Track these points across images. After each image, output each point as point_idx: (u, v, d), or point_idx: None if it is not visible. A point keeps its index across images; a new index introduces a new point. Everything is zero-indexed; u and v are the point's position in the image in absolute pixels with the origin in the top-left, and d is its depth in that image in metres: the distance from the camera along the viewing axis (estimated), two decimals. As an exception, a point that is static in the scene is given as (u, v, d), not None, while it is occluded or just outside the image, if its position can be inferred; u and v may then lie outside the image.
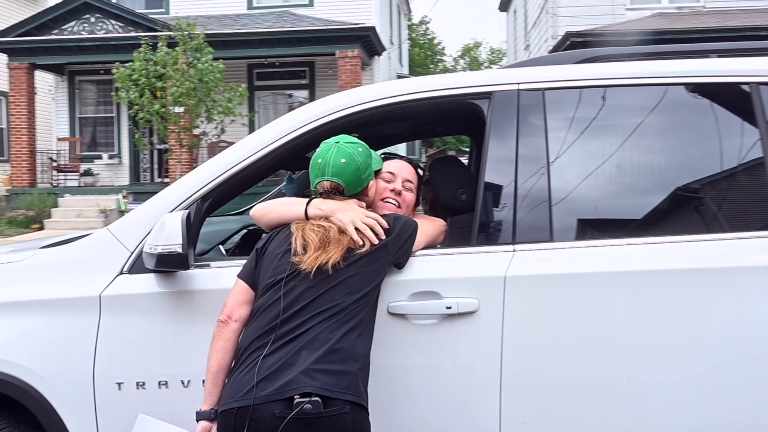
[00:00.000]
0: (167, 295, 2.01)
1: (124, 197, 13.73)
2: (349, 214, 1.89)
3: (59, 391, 1.99)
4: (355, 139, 2.02)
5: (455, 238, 2.22)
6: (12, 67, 14.29)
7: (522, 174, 2.06)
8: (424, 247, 2.01)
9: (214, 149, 12.41)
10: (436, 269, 1.99)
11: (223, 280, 2.04)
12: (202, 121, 12.18)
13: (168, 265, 1.90)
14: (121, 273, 2.06)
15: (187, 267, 1.90)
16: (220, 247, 2.47)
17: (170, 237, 1.86)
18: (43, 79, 15.78)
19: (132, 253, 2.06)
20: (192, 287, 2.02)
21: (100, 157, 15.65)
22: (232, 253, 2.56)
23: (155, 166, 15.80)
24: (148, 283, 2.02)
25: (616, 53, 2.34)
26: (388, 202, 2.21)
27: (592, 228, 2.13)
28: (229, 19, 14.61)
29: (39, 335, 2.02)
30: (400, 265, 1.94)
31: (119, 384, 2.00)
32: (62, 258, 2.14)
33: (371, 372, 1.84)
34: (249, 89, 13.74)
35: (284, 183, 2.90)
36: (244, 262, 2.12)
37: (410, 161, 2.36)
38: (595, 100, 2.17)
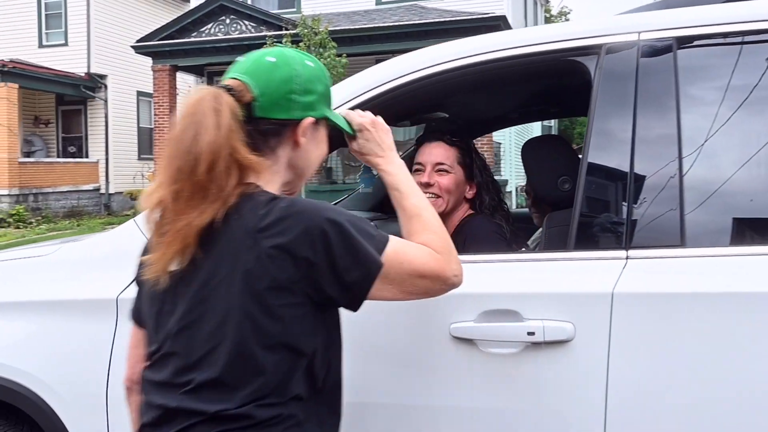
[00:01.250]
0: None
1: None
2: None
3: (67, 401, 1.71)
4: (312, 57, 1.30)
5: (550, 240, 1.71)
6: (156, 69, 15.09)
7: (641, 155, 1.51)
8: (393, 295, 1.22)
9: (342, 148, 12.32)
10: (515, 281, 1.50)
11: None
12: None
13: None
14: (143, 272, 1.75)
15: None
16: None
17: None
18: (184, 81, 16.56)
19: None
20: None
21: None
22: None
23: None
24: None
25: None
26: None
27: (744, 230, 1.54)
28: (357, 15, 14.55)
29: (47, 339, 1.75)
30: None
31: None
32: (84, 254, 1.87)
33: (424, 414, 1.39)
34: (376, 85, 13.54)
35: (361, 172, 2.49)
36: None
37: (445, 136, 1.97)
38: (753, 55, 1.57)
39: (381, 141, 1.37)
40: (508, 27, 13.75)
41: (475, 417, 1.47)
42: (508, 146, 15.00)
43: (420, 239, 1.24)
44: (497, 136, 13.75)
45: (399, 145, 1.57)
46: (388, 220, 3.13)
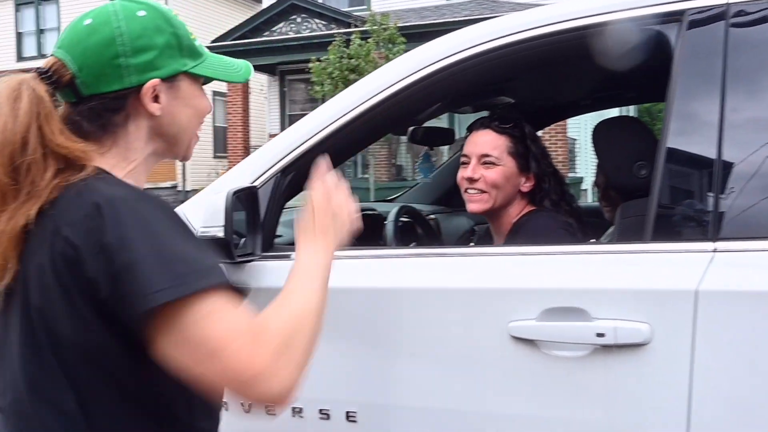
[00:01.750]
0: (231, 292, 1.59)
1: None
2: None
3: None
4: (150, 2, 1.04)
5: (624, 231, 1.54)
6: (229, 69, 15.42)
7: (731, 137, 1.32)
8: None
9: (411, 145, 12.22)
10: (582, 275, 1.33)
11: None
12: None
13: (210, 253, 1.47)
14: (187, 262, 1.68)
15: (231, 256, 1.45)
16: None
17: (212, 218, 1.43)
18: (256, 80, 16.84)
19: (199, 238, 1.67)
20: (259, 283, 1.56)
21: (303, 153, 16.36)
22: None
23: (358, 161, 16.11)
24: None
25: None
26: (468, 193, 1.75)
27: None
28: (427, 10, 14.41)
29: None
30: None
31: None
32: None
33: (475, 420, 1.26)
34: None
35: (419, 161, 2.37)
36: (344, 252, 1.65)
37: (493, 122, 1.78)
38: None
39: (319, 220, 1.11)
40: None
41: (535, 426, 1.32)
42: (584, 142, 14.49)
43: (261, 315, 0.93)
44: (572, 131, 13.31)
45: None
46: (452, 215, 2.99)
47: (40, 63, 1.02)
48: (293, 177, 1.66)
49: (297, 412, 1.48)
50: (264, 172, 1.64)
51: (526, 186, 1.81)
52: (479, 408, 1.34)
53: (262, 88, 17.05)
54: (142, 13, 1.00)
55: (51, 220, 0.90)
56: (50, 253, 0.88)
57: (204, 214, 1.47)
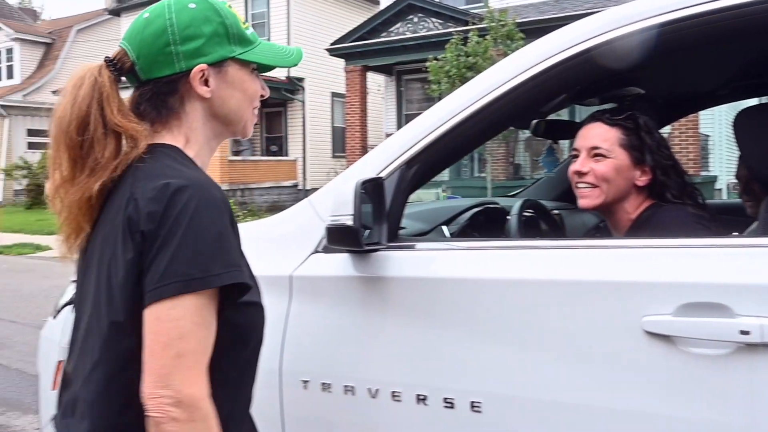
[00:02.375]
0: (358, 280, 1.63)
1: (443, 191, 14.14)
2: None
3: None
4: None
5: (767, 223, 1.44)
6: (348, 70, 15.76)
7: None
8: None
9: (530, 142, 12.02)
10: (725, 269, 1.26)
11: (431, 266, 1.59)
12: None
13: (339, 241, 1.51)
14: (316, 251, 1.74)
15: (359, 245, 1.49)
16: (443, 227, 2.01)
17: (341, 208, 1.47)
18: (373, 80, 17.11)
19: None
20: (386, 273, 1.60)
21: (421, 151, 16.43)
22: (459, 236, 2.09)
23: (474, 161, 16.01)
24: (340, 264, 1.66)
25: None
26: (578, 188, 1.71)
27: None
28: (546, 5, 14.04)
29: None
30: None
31: (305, 382, 1.68)
32: (261, 232, 1.91)
33: (604, 415, 1.22)
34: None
35: (543, 155, 2.32)
36: (468, 244, 1.65)
37: (604, 114, 1.73)
38: None
39: None
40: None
41: (671, 426, 1.26)
42: (718, 138, 13.60)
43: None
44: (704, 126, 12.52)
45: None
46: (576, 210, 2.91)
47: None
48: (417, 169, 1.68)
49: (421, 399, 1.50)
50: (389, 164, 1.67)
51: (641, 180, 1.72)
52: (609, 404, 1.30)
53: (379, 88, 17.32)
54: (192, 5, 1.12)
55: (128, 189, 1.02)
56: (123, 215, 1.00)
57: (333, 203, 1.52)
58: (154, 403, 0.92)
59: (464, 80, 11.52)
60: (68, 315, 2.38)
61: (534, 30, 12.26)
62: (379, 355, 1.58)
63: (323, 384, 1.65)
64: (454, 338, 1.49)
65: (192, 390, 0.93)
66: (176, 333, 0.93)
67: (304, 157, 18.95)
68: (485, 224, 2.11)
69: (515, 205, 2.02)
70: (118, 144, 1.05)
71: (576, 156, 1.78)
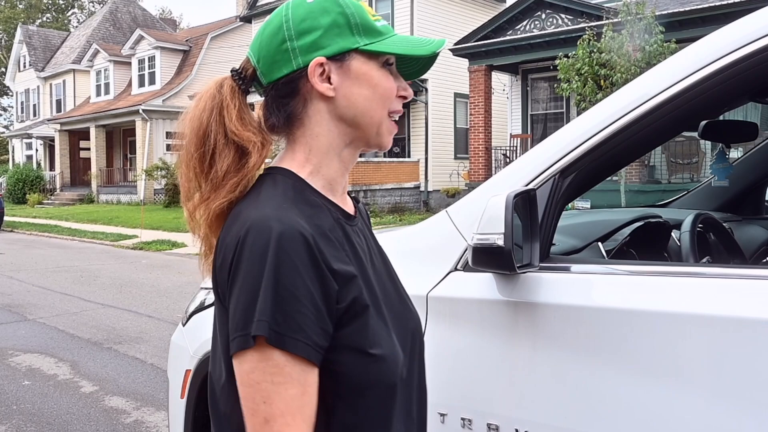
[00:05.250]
0: (504, 305, 1.44)
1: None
2: None
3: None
4: None
5: None
6: (472, 70, 15.48)
7: None
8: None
9: (669, 143, 11.23)
10: None
11: (591, 293, 1.37)
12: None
13: (486, 262, 1.32)
14: (455, 269, 1.57)
15: (512, 268, 1.29)
16: (599, 245, 1.77)
17: (489, 224, 1.29)
18: (498, 80, 16.72)
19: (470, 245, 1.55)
20: (537, 298, 1.40)
21: (546, 153, 15.90)
22: (617, 254, 1.83)
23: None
24: (482, 285, 1.48)
25: None
26: None
27: None
28: (688, -4, 13.09)
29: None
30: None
31: (442, 415, 1.52)
32: (394, 244, 1.76)
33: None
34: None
35: (713, 161, 2.02)
36: (627, 268, 1.43)
37: None
38: None
39: None
40: None
41: None
42: None
43: None
44: None
45: None
46: (742, 223, 2.57)
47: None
48: (573, 179, 1.47)
49: (579, 448, 1.29)
50: (540, 174, 1.48)
51: None
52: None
53: (504, 88, 16.92)
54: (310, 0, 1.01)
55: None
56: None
57: (479, 218, 1.34)
58: None
59: (597, 78, 10.95)
60: (197, 323, 2.37)
61: (674, 23, 11.47)
62: (530, 392, 1.39)
63: (463, 420, 1.47)
64: (622, 379, 1.27)
65: None
66: (260, 397, 0.85)
67: (426, 159, 18.88)
68: (646, 241, 1.85)
69: (686, 220, 1.74)
70: (238, 156, 0.98)
71: None
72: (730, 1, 11.62)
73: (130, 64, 28.84)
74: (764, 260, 2.40)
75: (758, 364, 1.12)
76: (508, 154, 15.80)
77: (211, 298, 2.35)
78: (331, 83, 0.99)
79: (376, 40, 1.00)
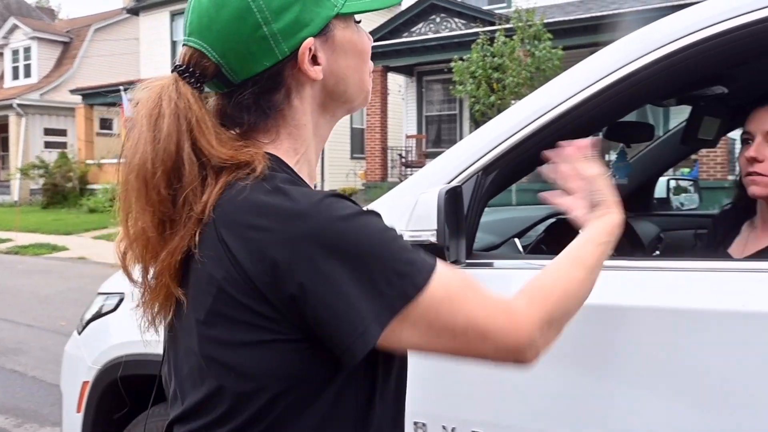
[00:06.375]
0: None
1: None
2: None
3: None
4: None
5: None
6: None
7: None
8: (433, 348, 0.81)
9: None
10: None
11: (509, 288, 1.39)
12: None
13: (419, 260, 1.31)
14: (377, 269, 1.55)
15: (444, 264, 1.29)
16: (516, 241, 1.81)
17: (421, 221, 1.27)
18: (394, 81, 16.93)
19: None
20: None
21: (442, 153, 16.27)
22: (533, 250, 1.88)
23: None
24: (407, 284, 1.47)
25: None
26: (750, 175, 1.57)
27: None
28: (571, 6, 13.82)
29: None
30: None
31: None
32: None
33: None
34: (591, 78, 12.80)
35: (614, 160, 2.11)
36: (546, 262, 1.46)
37: None
38: None
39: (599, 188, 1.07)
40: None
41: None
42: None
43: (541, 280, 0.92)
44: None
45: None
46: (634, 219, 2.70)
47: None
48: (496, 176, 1.49)
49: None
50: (462, 171, 1.48)
51: None
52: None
53: (400, 89, 17.14)
54: None
55: (213, 234, 0.76)
56: (217, 264, 0.75)
57: (408, 217, 1.32)
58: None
59: (490, 81, 11.32)
60: (95, 331, 2.21)
61: (561, 31, 12.06)
62: (456, 386, 1.39)
63: (415, 423, 1.45)
64: (543, 371, 1.29)
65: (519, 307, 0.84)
66: (447, 309, 0.78)
67: (322, 159, 18.82)
68: (557, 237, 1.91)
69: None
70: (223, 182, 0.77)
71: (747, 141, 1.66)
72: (608, 13, 12.41)
73: (2, 54, 26.85)
74: (654, 253, 2.54)
75: (651, 348, 1.21)
76: (403, 155, 16.02)
77: (108, 304, 2.20)
78: (319, 63, 0.84)
79: (340, 1, 0.84)
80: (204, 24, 0.81)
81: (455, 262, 1.36)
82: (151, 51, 21.53)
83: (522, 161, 1.49)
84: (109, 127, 24.88)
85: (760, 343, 1.11)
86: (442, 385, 1.42)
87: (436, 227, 1.23)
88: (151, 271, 0.80)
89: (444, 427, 1.38)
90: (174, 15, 21.09)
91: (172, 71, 0.82)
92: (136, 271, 0.84)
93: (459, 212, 1.37)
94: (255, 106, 0.83)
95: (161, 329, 0.87)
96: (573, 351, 1.27)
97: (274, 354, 0.75)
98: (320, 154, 0.94)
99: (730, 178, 11.64)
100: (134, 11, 22.72)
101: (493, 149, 1.46)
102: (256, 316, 0.74)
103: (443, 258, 1.27)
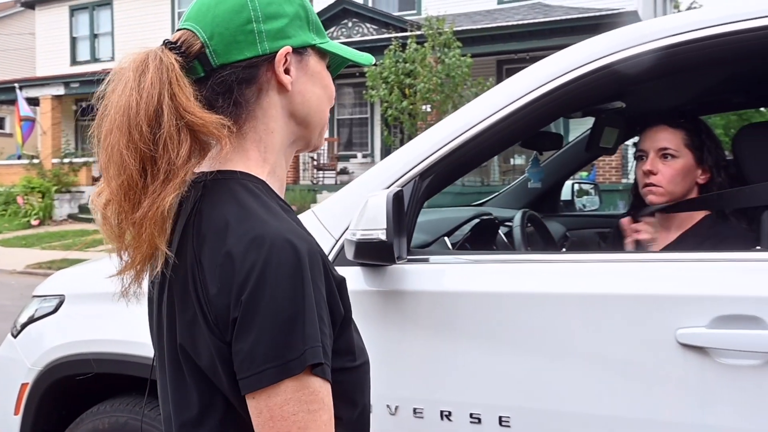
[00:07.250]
0: (373, 294, 1.60)
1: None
2: None
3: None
4: None
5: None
6: (280, 73, 15.57)
7: None
8: None
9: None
10: (755, 281, 1.31)
11: (444, 281, 1.58)
12: (449, 118, 12.06)
13: (370, 255, 1.47)
14: (324, 265, 1.69)
15: (393, 260, 1.46)
16: (446, 239, 2.01)
17: (372, 221, 1.43)
18: (307, 84, 16.96)
19: (337, 242, 1.68)
20: (404, 287, 1.58)
21: (354, 156, 16.43)
22: (461, 247, 2.09)
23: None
24: (353, 278, 1.62)
25: None
26: (647, 186, 1.80)
27: None
28: (479, 15, 14.36)
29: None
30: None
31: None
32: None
33: (645, 428, 1.25)
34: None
35: (529, 166, 2.35)
36: (474, 257, 1.66)
37: (668, 118, 1.82)
38: None
39: None
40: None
41: (708, 437, 1.29)
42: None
43: None
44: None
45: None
46: (543, 219, 2.96)
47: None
48: (431, 180, 1.67)
49: (446, 416, 1.48)
50: (401, 176, 1.65)
51: (702, 178, 1.85)
52: (644, 415, 1.32)
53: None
54: None
55: (191, 240, 0.85)
56: (190, 283, 0.83)
57: (359, 216, 1.48)
58: None
59: (402, 87, 11.61)
60: (32, 334, 2.22)
61: (470, 39, 12.51)
62: (401, 372, 1.55)
63: None
64: (478, 352, 1.48)
65: None
66: (296, 429, 0.77)
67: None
68: (480, 235, 2.12)
69: (516, 216, 2.03)
70: (192, 143, 0.84)
71: (641, 157, 1.89)
72: (513, 23, 13.00)
73: None
74: (562, 249, 2.81)
75: (593, 331, 1.40)
76: (315, 157, 16.09)
77: (46, 306, 2.23)
78: (288, 76, 0.92)
79: (325, 40, 0.98)
80: (201, 12, 0.92)
81: (399, 258, 1.53)
82: (49, 47, 20.53)
83: (454, 168, 1.68)
84: (1, 126, 23.54)
85: (650, 320, 1.34)
86: (415, 370, 1.57)
87: (385, 226, 1.40)
88: (132, 229, 0.84)
89: (415, 409, 1.54)
90: (74, 10, 20.20)
91: (163, 43, 0.91)
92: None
93: (401, 213, 1.55)
94: (228, 94, 0.90)
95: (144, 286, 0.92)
96: (511, 336, 1.46)
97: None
98: (285, 175, 1.00)
99: (624, 181, 12.48)
100: (29, 5, 21.57)
101: (428, 157, 1.64)
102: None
103: (392, 254, 1.43)
